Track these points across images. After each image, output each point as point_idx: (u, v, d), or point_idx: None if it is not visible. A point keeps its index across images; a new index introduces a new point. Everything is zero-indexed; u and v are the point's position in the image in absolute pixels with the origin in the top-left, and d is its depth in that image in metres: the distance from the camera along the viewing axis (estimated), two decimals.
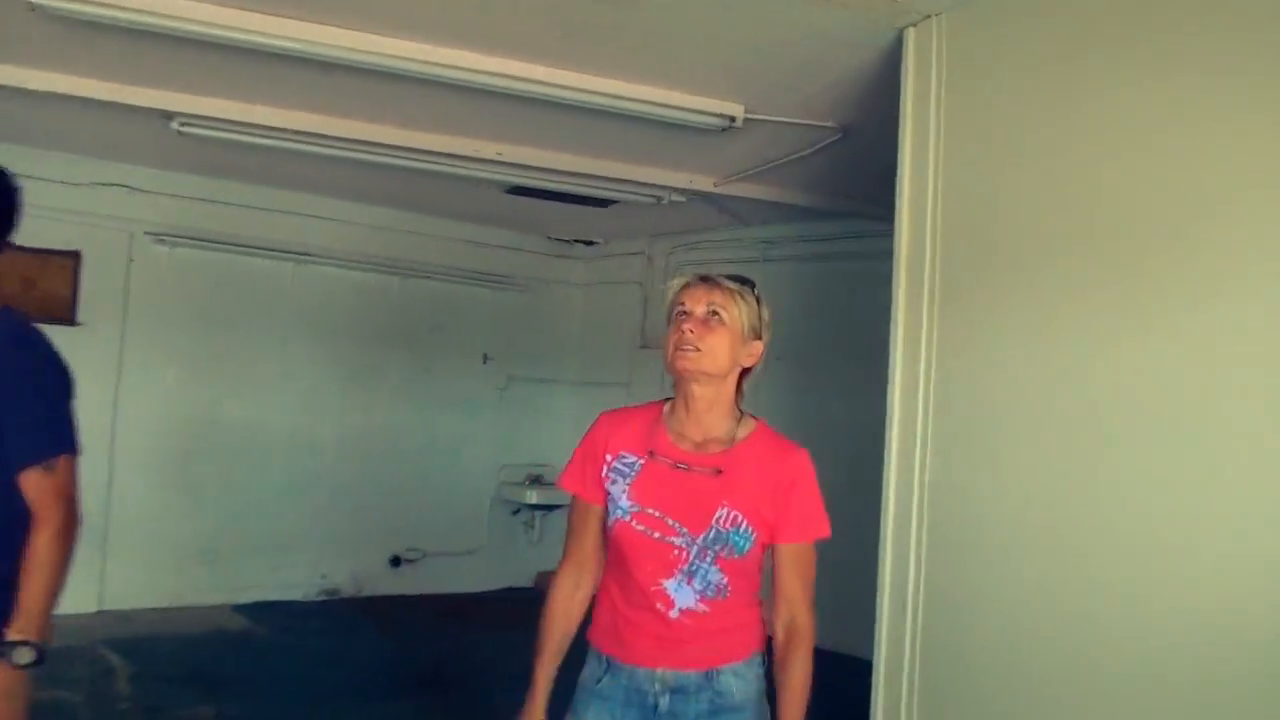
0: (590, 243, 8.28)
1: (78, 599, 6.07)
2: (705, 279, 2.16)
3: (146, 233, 6.44)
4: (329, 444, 7.21)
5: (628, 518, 2.14)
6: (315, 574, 7.17)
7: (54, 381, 2.17)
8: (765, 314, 2.19)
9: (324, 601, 7.13)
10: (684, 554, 2.10)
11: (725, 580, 2.11)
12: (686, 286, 2.17)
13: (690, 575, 2.11)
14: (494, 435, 7.96)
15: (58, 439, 2.13)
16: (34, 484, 2.07)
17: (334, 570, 7.25)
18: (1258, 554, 2.24)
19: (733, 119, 4.33)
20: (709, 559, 2.10)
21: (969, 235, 3.02)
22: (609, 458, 2.21)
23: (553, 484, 7.78)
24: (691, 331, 2.09)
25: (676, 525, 2.11)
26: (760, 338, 2.18)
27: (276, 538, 6.98)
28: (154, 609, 6.40)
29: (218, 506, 6.77)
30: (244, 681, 5.25)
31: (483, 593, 7.72)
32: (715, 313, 2.11)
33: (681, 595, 2.12)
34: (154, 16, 3.53)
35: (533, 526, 8.04)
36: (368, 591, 7.35)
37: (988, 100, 3.02)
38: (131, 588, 6.37)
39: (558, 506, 7.80)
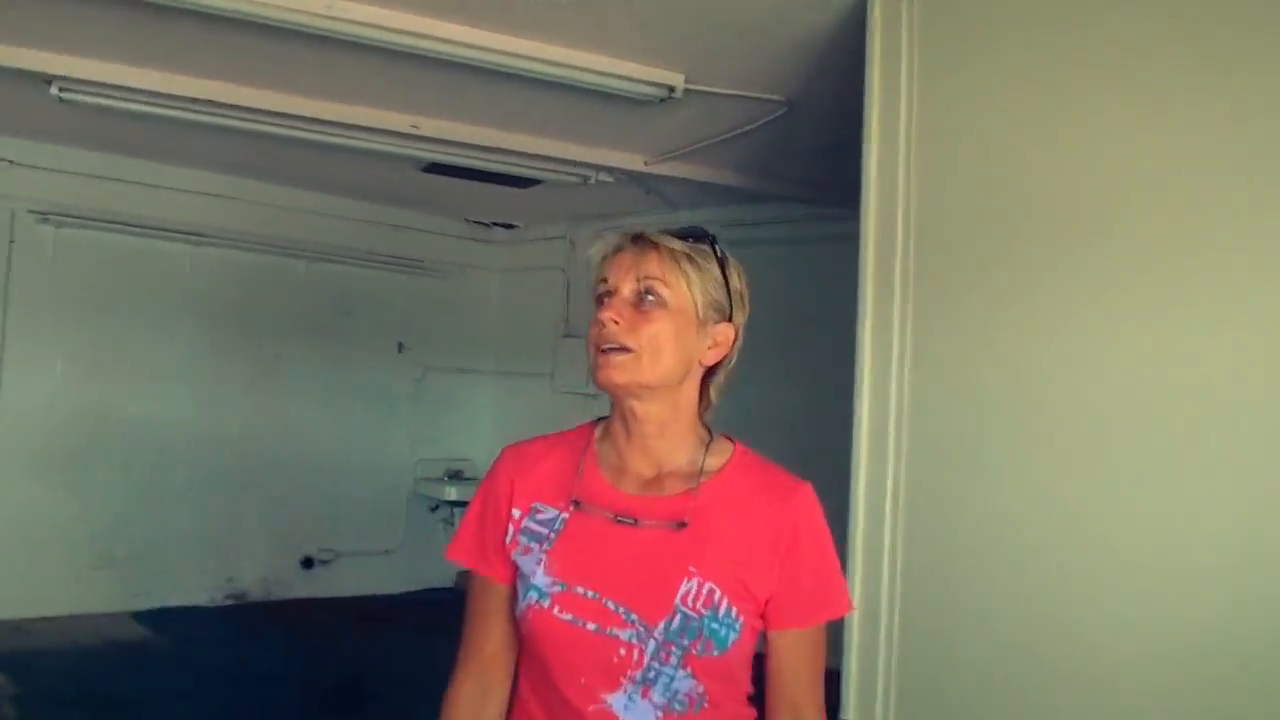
0: (510, 226, 8.00)
1: None
2: (638, 238, 1.48)
3: (30, 211, 6.00)
4: (233, 439, 6.82)
5: (547, 602, 1.43)
6: (220, 577, 6.80)
7: None
8: (735, 281, 1.51)
9: (230, 607, 6.77)
10: (635, 654, 1.40)
11: (701, 689, 1.42)
12: (611, 253, 1.49)
13: (647, 684, 1.41)
14: (410, 428, 7.68)
15: None
16: None
17: (241, 573, 6.89)
18: (1249, 562, 2.09)
19: (672, 89, 4.03)
20: (674, 660, 1.40)
21: (947, 222, 2.74)
22: (515, 514, 1.52)
23: (474, 479, 7.54)
24: (615, 322, 1.42)
25: (622, 610, 1.41)
26: (730, 318, 1.50)
27: (178, 539, 6.59)
28: (43, 618, 5.96)
29: (113, 507, 6.36)
30: (141, 700, 4.88)
31: (401, 594, 7.44)
32: (650, 292, 1.44)
33: (635, 715, 1.42)
34: None
35: (452, 524, 7.72)
36: (277, 595, 7.01)
37: (968, 70, 2.74)
38: (18, 596, 5.94)
39: None
